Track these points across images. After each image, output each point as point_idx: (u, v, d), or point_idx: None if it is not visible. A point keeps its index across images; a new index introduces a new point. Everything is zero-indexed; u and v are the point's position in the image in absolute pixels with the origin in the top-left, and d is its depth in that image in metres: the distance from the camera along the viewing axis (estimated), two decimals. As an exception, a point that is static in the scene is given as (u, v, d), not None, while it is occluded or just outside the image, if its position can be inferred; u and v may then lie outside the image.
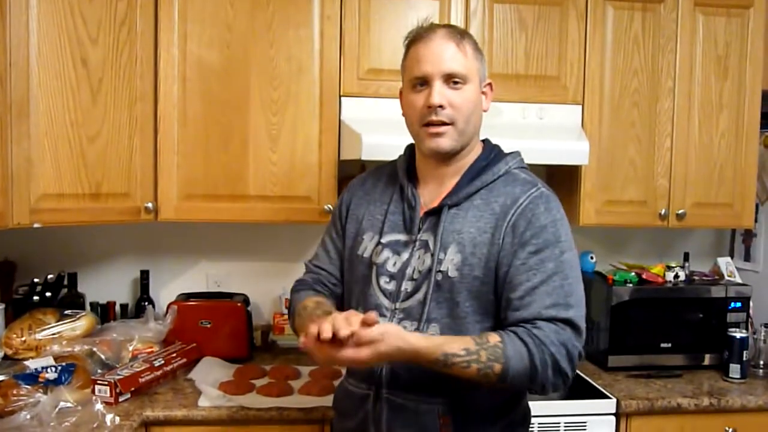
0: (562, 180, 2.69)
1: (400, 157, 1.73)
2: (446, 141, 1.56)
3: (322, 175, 2.42)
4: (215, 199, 2.40)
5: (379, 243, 1.63)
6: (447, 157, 1.59)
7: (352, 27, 2.40)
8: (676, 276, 2.62)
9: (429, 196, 1.63)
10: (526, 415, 1.68)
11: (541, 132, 2.43)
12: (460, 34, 1.57)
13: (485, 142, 1.68)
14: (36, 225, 2.12)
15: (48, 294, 2.50)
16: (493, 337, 1.44)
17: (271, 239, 2.83)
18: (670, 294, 2.59)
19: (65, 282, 2.57)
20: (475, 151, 1.63)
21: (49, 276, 2.52)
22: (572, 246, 1.52)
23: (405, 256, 1.59)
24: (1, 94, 2.00)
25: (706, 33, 2.59)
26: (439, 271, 1.53)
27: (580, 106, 2.53)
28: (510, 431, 1.62)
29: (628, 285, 2.55)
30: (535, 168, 2.81)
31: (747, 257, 2.95)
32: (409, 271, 1.58)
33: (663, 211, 2.59)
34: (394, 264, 1.60)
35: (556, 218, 1.52)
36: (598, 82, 2.53)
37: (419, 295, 1.55)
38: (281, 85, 2.39)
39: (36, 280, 2.50)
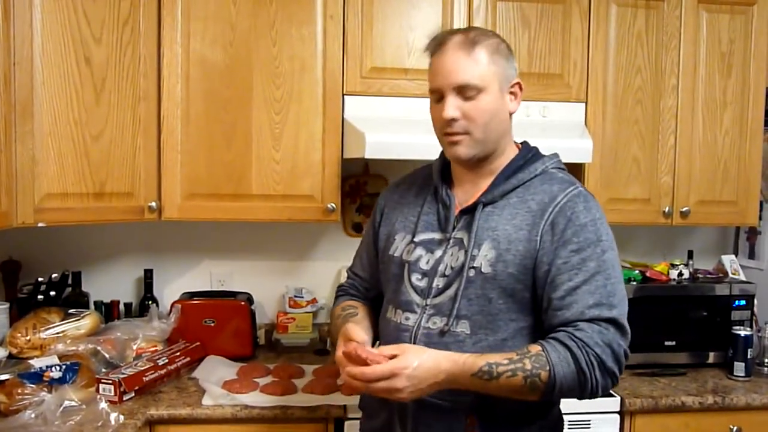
0: (566, 178, 2.69)
1: (435, 160, 1.71)
2: (463, 149, 1.54)
3: (325, 174, 2.42)
4: (218, 198, 2.40)
5: (411, 242, 1.62)
6: (474, 162, 1.58)
7: (354, 26, 2.40)
8: (680, 274, 2.62)
9: (464, 196, 1.61)
10: (558, 423, 1.64)
11: (545, 130, 2.43)
12: (473, 42, 1.52)
13: (524, 144, 1.66)
14: (40, 224, 2.13)
15: (52, 293, 2.50)
16: (534, 347, 1.42)
17: (275, 238, 2.83)
18: (674, 292, 2.58)
19: (69, 281, 2.57)
20: (508, 154, 1.61)
21: (54, 275, 2.52)
22: (613, 245, 1.49)
23: (438, 253, 1.58)
24: (5, 93, 2.01)
25: (710, 30, 2.58)
26: (472, 267, 1.51)
27: (584, 104, 2.52)
28: None
29: (632, 283, 2.55)
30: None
31: (751, 255, 2.95)
32: (441, 267, 1.56)
33: (667, 209, 2.59)
34: (427, 262, 1.59)
35: (596, 217, 1.49)
36: (601, 80, 2.53)
37: (450, 291, 1.53)
38: (284, 83, 2.39)
39: (40, 279, 2.51)
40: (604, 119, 2.54)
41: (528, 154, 1.61)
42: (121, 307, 2.68)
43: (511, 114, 1.59)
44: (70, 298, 2.56)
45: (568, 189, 1.53)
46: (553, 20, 2.49)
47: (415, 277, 1.59)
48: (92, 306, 2.61)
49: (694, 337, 2.57)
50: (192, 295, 2.61)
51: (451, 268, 1.55)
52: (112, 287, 2.72)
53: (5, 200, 2.02)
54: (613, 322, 1.43)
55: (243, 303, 2.56)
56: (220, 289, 2.76)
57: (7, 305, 2.41)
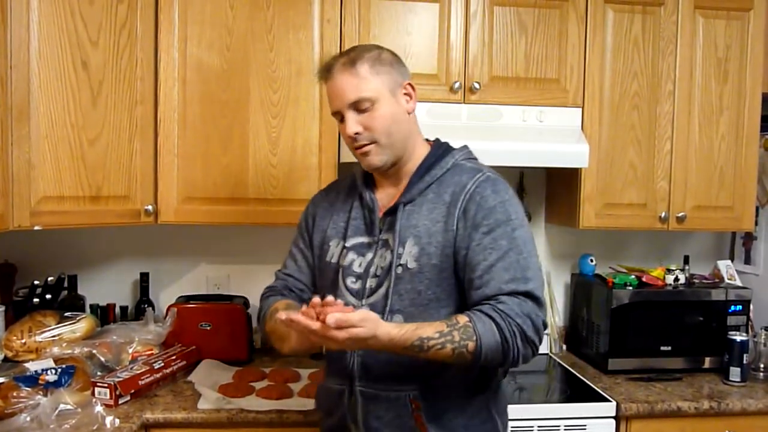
0: (562, 183, 2.69)
1: (356, 167, 1.80)
2: (375, 157, 1.65)
3: (321, 178, 2.42)
4: (215, 202, 2.40)
5: (344, 248, 1.72)
6: (389, 167, 1.69)
7: (352, 30, 2.40)
8: (676, 279, 2.62)
9: (386, 199, 1.72)
10: (498, 391, 1.73)
11: (541, 135, 2.43)
12: (353, 60, 1.63)
13: (435, 141, 1.76)
14: (36, 227, 2.13)
15: (48, 296, 2.50)
16: (462, 318, 1.51)
17: (271, 242, 2.82)
18: (670, 297, 2.59)
19: (65, 284, 2.57)
20: (420, 153, 1.71)
21: (50, 278, 2.52)
22: (524, 223, 1.59)
23: (369, 256, 1.68)
24: (1, 96, 2.01)
25: (706, 36, 2.59)
26: (399, 264, 1.62)
27: (580, 109, 2.53)
28: (485, 408, 1.67)
29: (628, 288, 2.55)
30: (534, 170, 2.84)
31: (747, 260, 2.95)
32: (372, 269, 1.67)
33: (663, 214, 2.59)
34: (360, 264, 1.69)
35: (505, 198, 1.59)
36: (598, 85, 2.53)
37: (382, 290, 1.64)
38: (281, 87, 2.40)
39: (36, 282, 2.50)
40: (600, 124, 2.54)
41: (438, 150, 1.72)
42: (117, 310, 2.67)
43: (409, 113, 1.69)
44: (65, 301, 2.55)
45: (475, 176, 1.63)
46: (549, 25, 2.49)
47: (350, 281, 1.69)
48: (88, 309, 2.61)
49: (689, 342, 2.58)
50: (188, 298, 2.61)
51: (381, 268, 1.65)
52: (108, 290, 2.71)
53: (1, 203, 2.02)
54: (529, 294, 1.51)
55: (239, 307, 2.55)
56: (216, 292, 2.76)
57: (2, 308, 2.40)
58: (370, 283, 1.66)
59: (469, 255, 1.57)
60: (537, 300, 1.53)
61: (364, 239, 1.71)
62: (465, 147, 1.76)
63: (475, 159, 1.75)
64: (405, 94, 1.68)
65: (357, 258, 1.70)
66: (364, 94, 1.62)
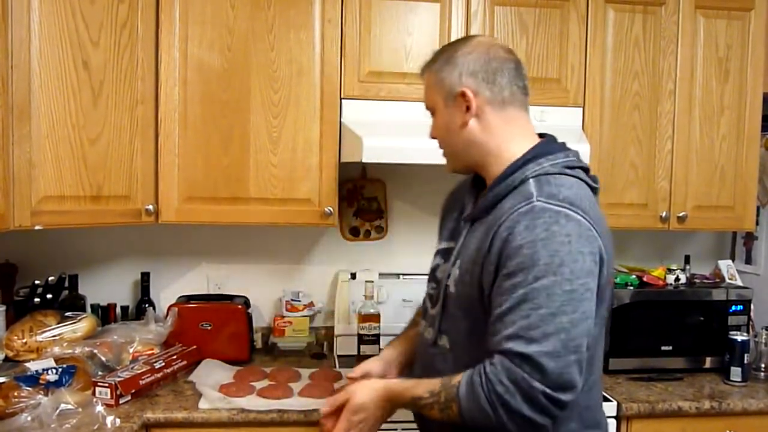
0: (563, 182, 2.69)
1: None
2: (446, 163, 1.62)
3: (322, 178, 2.42)
4: (216, 202, 2.40)
5: (437, 250, 1.66)
6: (466, 172, 1.64)
7: (352, 30, 2.40)
8: (677, 279, 2.62)
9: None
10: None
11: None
12: (425, 66, 1.59)
13: (538, 144, 1.52)
14: (37, 227, 2.13)
15: (49, 296, 2.50)
16: (457, 378, 1.37)
17: (272, 242, 2.83)
18: (671, 297, 2.58)
19: (66, 284, 2.57)
20: (502, 163, 1.50)
21: (50, 278, 2.52)
22: (558, 270, 1.30)
23: (450, 263, 1.54)
24: (2, 96, 2.01)
25: (707, 35, 2.59)
26: (446, 284, 1.52)
27: (581, 109, 2.53)
28: None
29: (628, 288, 2.55)
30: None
31: (748, 260, 2.95)
32: (443, 278, 1.55)
33: (664, 214, 2.59)
34: (441, 270, 1.58)
35: (538, 237, 1.32)
36: (598, 85, 2.53)
37: (438, 306, 1.55)
38: (282, 87, 2.40)
39: (37, 282, 2.51)
40: (601, 124, 2.54)
41: (525, 157, 1.48)
42: (118, 310, 2.67)
43: (462, 126, 1.52)
44: (66, 301, 2.55)
45: (518, 205, 1.39)
46: (550, 25, 2.49)
47: (431, 286, 1.61)
48: (89, 309, 2.61)
49: (690, 342, 2.57)
50: (189, 298, 2.61)
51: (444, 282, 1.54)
52: (109, 290, 2.72)
53: (2, 203, 2.02)
54: (526, 358, 1.27)
55: (240, 306, 2.55)
56: (217, 292, 2.76)
57: (3, 308, 2.41)
58: (440, 292, 1.55)
59: (491, 296, 1.38)
60: (537, 366, 1.27)
61: (450, 244, 1.59)
62: (556, 154, 1.49)
63: (558, 174, 1.45)
64: (463, 103, 1.51)
65: (441, 263, 1.59)
66: (427, 102, 1.59)
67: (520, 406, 1.28)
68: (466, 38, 1.60)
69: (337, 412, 1.53)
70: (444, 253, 1.60)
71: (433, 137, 1.61)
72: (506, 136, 1.51)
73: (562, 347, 1.28)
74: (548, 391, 1.27)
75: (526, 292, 1.30)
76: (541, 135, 1.57)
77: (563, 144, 1.55)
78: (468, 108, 1.50)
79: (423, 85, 1.60)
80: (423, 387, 1.43)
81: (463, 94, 1.50)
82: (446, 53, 1.55)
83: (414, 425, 1.97)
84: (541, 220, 1.34)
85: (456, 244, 1.55)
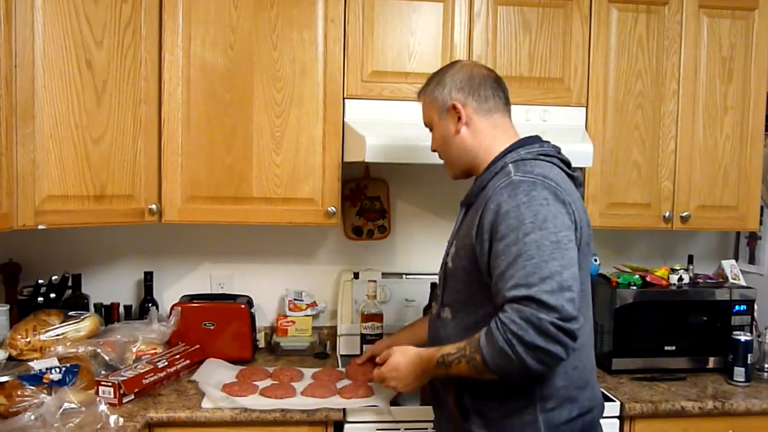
0: (566, 182, 2.69)
1: None
2: (447, 171, 1.89)
3: (325, 177, 2.42)
4: (219, 201, 2.40)
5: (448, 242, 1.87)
6: (462, 177, 1.86)
7: (355, 29, 2.40)
8: (681, 279, 2.61)
9: None
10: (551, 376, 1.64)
11: (545, 134, 2.39)
12: (421, 90, 1.88)
13: (515, 142, 1.75)
14: (41, 226, 2.13)
15: (52, 295, 2.51)
16: (479, 333, 1.55)
17: (275, 241, 2.83)
18: (674, 297, 2.58)
19: (69, 283, 2.58)
20: (492, 157, 1.76)
21: (54, 277, 2.52)
22: (543, 226, 1.52)
23: (449, 245, 1.82)
24: (6, 95, 2.01)
25: (711, 35, 2.58)
26: (445, 261, 1.78)
27: (584, 108, 2.52)
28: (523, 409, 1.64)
29: (632, 288, 2.55)
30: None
31: (752, 260, 2.95)
32: (445, 257, 1.83)
33: (667, 214, 2.59)
34: (444, 254, 1.84)
35: (521, 202, 1.55)
36: (602, 85, 2.53)
37: (441, 283, 1.82)
38: (285, 86, 2.40)
39: (40, 281, 2.51)
40: (604, 124, 2.54)
41: (501, 153, 1.73)
42: (121, 309, 2.68)
43: (455, 134, 1.78)
44: (70, 300, 2.56)
45: (499, 181, 1.63)
46: (554, 24, 2.49)
47: (442, 263, 1.83)
48: (92, 308, 2.61)
49: (694, 342, 2.57)
50: (192, 297, 2.61)
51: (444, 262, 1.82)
52: (112, 289, 2.72)
53: (6, 202, 2.02)
54: (531, 299, 1.47)
55: (243, 306, 2.55)
56: (220, 292, 2.77)
57: (7, 307, 2.41)
58: (443, 270, 1.81)
59: (489, 263, 1.58)
60: (541, 303, 1.46)
61: (454, 230, 1.85)
62: (533, 145, 1.73)
63: (530, 159, 1.68)
64: (455, 114, 1.77)
65: (449, 242, 1.83)
66: (424, 119, 1.88)
67: (534, 339, 1.45)
68: (452, 63, 1.89)
69: (365, 366, 2.26)
70: (451, 238, 1.83)
71: (434, 150, 1.88)
72: (493, 139, 1.77)
73: (558, 286, 1.48)
74: (555, 320, 1.45)
75: (518, 248, 1.51)
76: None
77: (545, 140, 1.79)
78: (459, 118, 1.77)
79: (420, 105, 1.88)
80: (449, 346, 1.64)
81: (454, 107, 1.77)
82: (437, 77, 1.83)
83: (415, 426, 2.04)
84: (520, 188, 1.58)
85: (454, 228, 1.84)
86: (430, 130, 1.87)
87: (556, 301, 1.46)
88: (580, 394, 1.67)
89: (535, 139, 1.76)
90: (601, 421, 2.22)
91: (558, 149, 1.77)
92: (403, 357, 1.78)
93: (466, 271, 1.67)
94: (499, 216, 1.56)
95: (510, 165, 1.66)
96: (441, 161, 2.20)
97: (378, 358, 1.92)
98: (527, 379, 1.59)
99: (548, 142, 1.78)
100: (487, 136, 1.76)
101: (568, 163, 1.76)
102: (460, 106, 1.76)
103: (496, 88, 1.79)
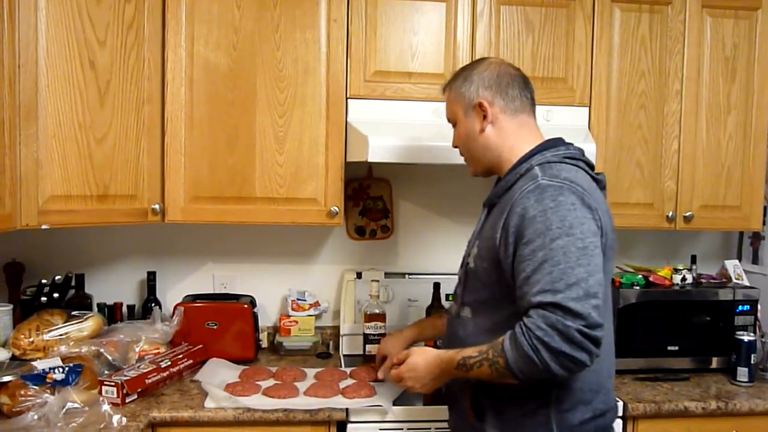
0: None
1: None
2: (468, 168, 1.87)
3: (328, 177, 2.42)
4: (222, 201, 2.40)
5: (468, 242, 1.87)
6: (484, 175, 1.86)
7: (358, 29, 2.40)
8: (684, 279, 2.61)
9: None
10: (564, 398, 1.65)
11: (548, 134, 2.41)
12: (446, 85, 1.87)
13: (541, 143, 1.74)
14: (44, 226, 2.13)
15: (55, 295, 2.51)
16: (502, 337, 1.55)
17: (278, 241, 2.83)
18: (677, 297, 2.58)
19: (72, 283, 2.58)
20: (516, 158, 1.74)
21: (57, 277, 2.53)
22: (570, 232, 1.51)
23: (470, 245, 1.82)
24: (9, 95, 2.01)
25: (714, 35, 2.58)
26: (467, 262, 1.78)
27: (587, 108, 2.52)
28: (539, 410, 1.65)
29: (635, 288, 2.54)
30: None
31: (755, 260, 2.94)
32: (466, 257, 1.83)
33: (670, 214, 2.59)
34: (465, 253, 1.85)
35: (547, 207, 1.54)
36: (605, 84, 2.53)
37: (461, 282, 1.82)
38: (288, 87, 2.40)
39: (44, 281, 2.51)
40: (607, 124, 2.54)
41: (527, 155, 1.72)
42: (124, 309, 2.68)
43: (481, 132, 1.77)
44: (73, 300, 2.56)
45: (526, 185, 1.62)
46: (556, 24, 2.49)
47: (463, 263, 1.83)
48: (95, 308, 2.62)
49: (697, 342, 2.57)
50: (195, 297, 2.61)
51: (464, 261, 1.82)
52: (115, 289, 2.73)
53: (9, 202, 2.02)
54: (557, 305, 1.46)
55: (246, 306, 2.56)
56: (223, 291, 2.77)
57: (10, 307, 2.41)
58: (464, 269, 1.81)
59: (514, 266, 1.58)
60: (567, 310, 1.46)
61: (476, 230, 1.85)
62: (558, 148, 1.72)
63: (557, 162, 1.67)
64: (480, 112, 1.76)
65: (470, 243, 1.83)
66: (448, 114, 1.87)
67: (560, 345, 1.45)
68: (480, 60, 1.86)
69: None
70: (473, 238, 1.83)
71: (455, 146, 1.87)
72: (518, 139, 1.76)
73: (584, 293, 1.47)
74: (582, 328, 1.45)
75: (545, 253, 1.51)
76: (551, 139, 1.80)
77: (569, 143, 1.78)
78: (485, 116, 1.76)
79: (445, 100, 1.87)
80: (471, 349, 1.62)
81: (481, 105, 1.76)
82: (464, 73, 1.82)
83: (418, 425, 2.03)
84: (547, 193, 1.57)
85: (476, 228, 1.83)
86: (453, 125, 1.86)
87: (582, 308, 1.46)
88: (594, 397, 1.67)
89: (559, 141, 1.76)
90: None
91: (582, 152, 1.75)
92: (421, 358, 1.77)
93: (487, 272, 1.68)
94: (526, 220, 1.56)
95: (536, 167, 1.65)
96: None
97: (396, 358, 1.90)
98: (546, 381, 1.58)
99: (572, 144, 1.77)
100: (512, 135, 1.76)
101: (592, 166, 1.76)
102: (486, 104, 1.75)
103: (523, 88, 1.79)
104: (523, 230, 1.56)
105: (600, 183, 1.74)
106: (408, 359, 1.81)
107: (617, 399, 2.25)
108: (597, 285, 1.50)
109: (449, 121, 1.87)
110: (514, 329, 1.51)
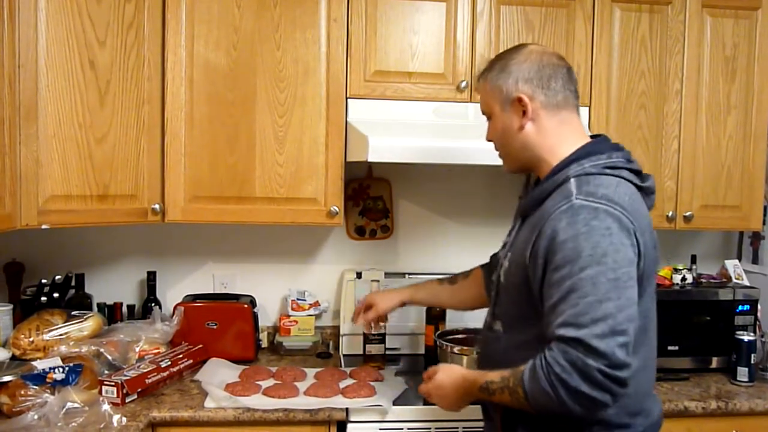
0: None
1: None
2: (503, 164, 1.73)
3: (328, 177, 2.42)
4: (222, 201, 2.40)
5: (503, 242, 1.78)
6: (521, 172, 1.74)
7: (358, 29, 2.40)
8: (684, 278, 2.61)
9: None
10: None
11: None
12: (481, 74, 1.70)
13: (585, 145, 1.61)
14: (44, 226, 2.13)
15: (55, 295, 2.51)
16: (525, 365, 1.45)
17: (278, 241, 2.83)
18: (677, 296, 2.57)
19: (73, 283, 2.58)
20: (556, 161, 1.60)
21: (57, 277, 2.53)
22: (601, 260, 1.40)
23: (503, 256, 1.71)
24: (9, 95, 2.01)
25: (714, 34, 2.58)
26: (499, 274, 1.68)
27: (587, 108, 2.52)
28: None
29: (635, 287, 2.54)
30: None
31: (755, 260, 2.94)
32: (498, 269, 1.72)
33: (670, 214, 2.58)
34: (497, 259, 1.77)
35: (579, 232, 1.42)
36: (605, 84, 2.53)
37: (493, 294, 1.74)
38: (288, 86, 2.40)
39: (44, 280, 2.51)
40: (607, 124, 2.54)
41: (565, 162, 1.58)
42: (124, 309, 2.68)
43: (520, 129, 1.62)
44: (73, 300, 2.56)
45: (559, 203, 1.49)
46: (556, 24, 2.49)
47: (495, 275, 1.74)
48: (95, 308, 2.62)
49: (697, 342, 2.57)
50: (195, 297, 2.61)
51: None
52: (115, 289, 2.73)
53: (9, 202, 2.02)
54: (579, 341, 1.36)
55: (246, 306, 2.56)
56: (223, 291, 2.77)
57: (10, 307, 2.42)
58: (495, 282, 1.72)
59: (542, 290, 1.48)
60: (589, 348, 1.35)
61: (507, 239, 1.75)
62: (600, 155, 1.57)
63: (598, 174, 1.53)
64: (519, 108, 1.61)
65: (502, 255, 1.72)
66: (483, 107, 1.71)
67: (578, 384, 1.35)
68: (519, 46, 1.69)
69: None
70: (503, 246, 1.77)
71: (489, 140, 1.72)
72: (559, 138, 1.62)
73: (610, 330, 1.36)
74: (603, 368, 1.35)
75: (573, 282, 1.40)
76: (595, 136, 1.68)
77: (613, 144, 1.64)
78: (524, 112, 1.61)
79: (478, 90, 1.72)
80: (495, 373, 1.53)
81: (520, 100, 1.60)
82: (501, 62, 1.66)
83: (418, 425, 2.03)
84: (581, 216, 1.44)
85: (509, 238, 1.72)
86: (488, 118, 1.70)
87: (606, 346, 1.35)
88: (633, 420, 1.57)
89: (602, 144, 1.62)
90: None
91: (627, 157, 1.63)
92: (447, 377, 1.68)
93: (517, 289, 1.57)
94: (556, 244, 1.44)
95: (572, 180, 1.52)
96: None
97: (424, 373, 1.78)
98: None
99: (617, 145, 1.64)
100: (552, 134, 1.61)
101: (637, 172, 1.62)
102: (527, 99, 1.59)
103: (567, 80, 1.63)
104: (553, 255, 1.45)
105: (646, 190, 1.62)
106: (435, 376, 1.71)
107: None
108: (626, 321, 1.38)
109: (483, 113, 1.72)
110: (535, 361, 1.42)
